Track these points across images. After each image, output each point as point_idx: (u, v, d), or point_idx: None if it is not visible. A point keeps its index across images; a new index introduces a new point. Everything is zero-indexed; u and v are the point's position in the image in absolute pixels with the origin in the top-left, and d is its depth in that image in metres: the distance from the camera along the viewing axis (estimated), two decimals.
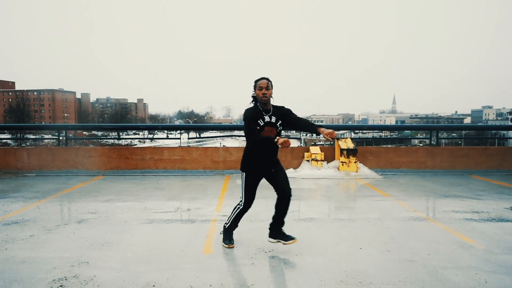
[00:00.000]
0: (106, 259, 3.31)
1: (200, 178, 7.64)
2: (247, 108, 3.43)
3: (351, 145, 7.92)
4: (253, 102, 3.42)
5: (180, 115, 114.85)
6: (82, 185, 6.81)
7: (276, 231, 3.56)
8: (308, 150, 8.22)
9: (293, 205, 5.32)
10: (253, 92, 3.39)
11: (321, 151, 8.05)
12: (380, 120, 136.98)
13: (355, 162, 7.79)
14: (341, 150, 7.85)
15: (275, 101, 3.50)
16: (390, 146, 8.72)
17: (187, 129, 16.22)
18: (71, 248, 3.57)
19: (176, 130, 16.57)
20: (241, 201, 3.60)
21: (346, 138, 8.28)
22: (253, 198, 3.61)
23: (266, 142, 3.20)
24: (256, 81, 3.37)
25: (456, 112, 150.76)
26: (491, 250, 3.53)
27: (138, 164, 8.27)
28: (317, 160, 7.90)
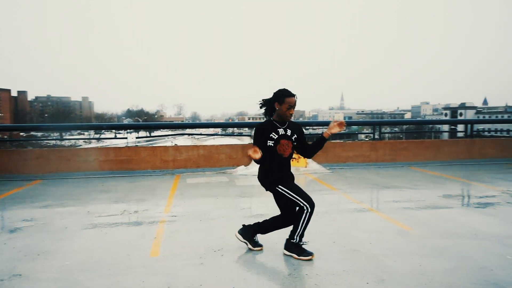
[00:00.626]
0: (42, 270, 3.09)
1: (149, 178, 7.41)
2: (261, 122, 3.31)
3: None
4: (265, 111, 3.28)
5: (129, 113, 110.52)
6: (16, 191, 6.31)
7: (253, 231, 3.51)
8: None
9: (245, 202, 5.35)
10: (274, 103, 3.18)
11: None
12: (330, 116, 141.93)
13: (304, 158, 7.98)
14: None
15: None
16: (337, 141, 9.06)
17: (143, 128, 15.64)
18: (1, 261, 3.29)
19: (130, 130, 15.92)
20: (303, 207, 3.24)
21: None
22: (309, 196, 3.31)
23: (257, 163, 3.21)
24: (283, 95, 3.14)
25: (398, 108, 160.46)
26: (426, 236, 3.80)
27: (81, 166, 7.83)
28: None
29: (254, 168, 7.86)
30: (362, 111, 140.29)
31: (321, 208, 4.98)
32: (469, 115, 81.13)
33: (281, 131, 3.21)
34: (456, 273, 2.90)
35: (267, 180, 3.34)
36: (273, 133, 3.18)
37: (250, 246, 3.50)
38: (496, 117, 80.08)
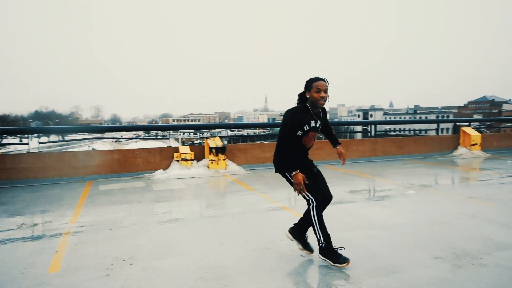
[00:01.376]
0: None
1: (55, 187, 6.80)
2: (293, 107, 3.03)
3: (219, 143, 8.15)
4: (299, 103, 3.06)
5: (38, 115, 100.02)
6: None
7: (299, 230, 3.31)
8: (177, 150, 8.13)
9: (161, 207, 5.21)
10: (305, 93, 3.02)
11: (191, 151, 8.06)
12: (254, 117, 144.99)
13: (223, 160, 8.05)
14: (210, 148, 8.01)
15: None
16: (256, 142, 9.29)
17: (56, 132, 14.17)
18: None
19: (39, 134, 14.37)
20: (309, 200, 3.06)
21: (215, 136, 8.48)
22: (319, 188, 3.12)
23: (289, 164, 2.98)
24: (311, 81, 2.99)
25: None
26: (331, 229, 4.08)
27: None
28: (186, 160, 7.89)
29: (173, 171, 7.70)
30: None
31: (238, 208, 5.07)
32: (378, 116, 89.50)
33: (313, 122, 3.04)
34: (356, 262, 3.18)
35: (282, 164, 3.15)
36: (306, 125, 2.99)
37: (299, 247, 3.31)
38: (400, 118, 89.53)
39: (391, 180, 7.04)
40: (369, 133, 11.27)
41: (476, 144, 10.45)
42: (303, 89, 3.08)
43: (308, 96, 3.03)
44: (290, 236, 3.38)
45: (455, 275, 2.89)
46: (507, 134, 11.99)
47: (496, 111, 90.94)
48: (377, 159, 9.96)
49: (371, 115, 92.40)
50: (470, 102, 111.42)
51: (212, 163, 8.01)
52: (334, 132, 3.48)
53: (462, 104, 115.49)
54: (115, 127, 19.81)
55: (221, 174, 7.84)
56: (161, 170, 7.88)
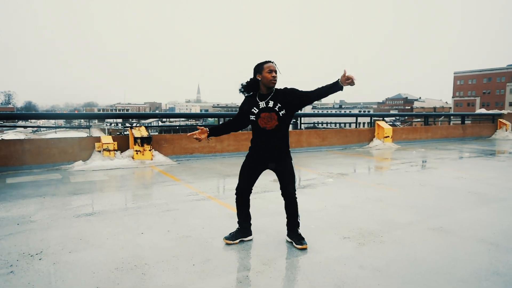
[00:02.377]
0: None
1: None
2: (245, 97, 3.28)
3: (145, 133, 7.90)
4: (244, 88, 3.23)
5: None
6: None
7: (291, 231, 3.41)
8: (99, 140, 7.71)
9: (77, 200, 4.93)
10: (256, 77, 3.16)
11: (114, 141, 7.70)
12: (186, 108, 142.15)
13: (149, 150, 7.83)
14: (135, 138, 7.74)
15: None
16: (183, 133, 9.18)
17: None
18: None
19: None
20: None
21: (140, 126, 8.20)
22: (245, 183, 3.38)
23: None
24: (262, 64, 3.14)
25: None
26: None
27: None
28: (109, 150, 7.52)
29: (94, 163, 7.30)
30: (218, 104, 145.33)
31: (162, 199, 5.01)
32: (307, 109, 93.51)
33: (262, 104, 3.15)
34: (269, 246, 3.36)
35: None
36: (254, 108, 3.17)
37: (295, 245, 3.34)
38: (327, 112, 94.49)
39: (313, 169, 7.48)
40: (298, 126, 11.77)
41: (388, 136, 11.52)
42: (253, 74, 3.20)
43: (259, 79, 3.16)
44: (289, 239, 3.44)
45: (359, 252, 3.21)
46: (414, 128, 13.40)
47: (409, 107, 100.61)
48: (302, 149, 10.47)
49: (301, 109, 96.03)
50: (387, 99, 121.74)
51: (137, 153, 7.74)
52: (324, 88, 3.15)
53: (381, 101, 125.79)
54: (54, 114, 17.81)
55: (146, 165, 7.62)
56: (80, 162, 7.41)
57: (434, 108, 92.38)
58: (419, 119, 17.18)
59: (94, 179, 6.32)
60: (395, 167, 7.77)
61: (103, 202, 4.87)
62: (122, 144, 7.98)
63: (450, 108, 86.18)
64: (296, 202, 3.36)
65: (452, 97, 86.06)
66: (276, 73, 3.15)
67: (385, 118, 13.55)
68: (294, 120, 11.57)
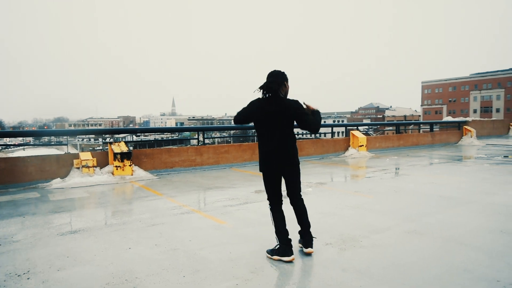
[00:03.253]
0: None
1: None
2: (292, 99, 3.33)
3: (124, 148, 7.89)
4: (262, 93, 3.27)
5: None
6: None
7: (302, 237, 3.52)
8: (77, 157, 7.62)
9: (61, 218, 4.89)
10: (285, 82, 3.30)
11: (93, 157, 7.64)
12: (161, 122, 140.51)
13: (129, 166, 7.81)
14: (115, 154, 7.70)
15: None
16: (164, 147, 9.18)
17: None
18: None
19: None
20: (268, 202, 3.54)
21: (120, 141, 8.17)
22: (275, 194, 3.42)
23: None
24: (285, 75, 3.32)
25: (226, 114, 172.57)
26: (237, 227, 4.37)
27: None
28: (88, 167, 7.45)
29: (73, 180, 7.22)
30: (193, 117, 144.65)
31: (146, 214, 5.04)
32: None
33: (268, 108, 3.28)
34: (258, 254, 3.49)
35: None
36: (259, 109, 3.26)
37: (304, 249, 3.48)
38: None
39: None
40: None
41: (362, 145, 11.94)
42: (283, 78, 3.29)
43: (287, 87, 3.34)
44: (299, 245, 3.61)
45: (341, 256, 3.39)
46: (387, 136, 13.94)
47: (381, 116, 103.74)
48: None
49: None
50: (360, 108, 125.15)
51: (117, 169, 7.70)
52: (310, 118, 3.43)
53: (354, 110, 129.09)
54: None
55: (127, 181, 7.59)
56: (58, 179, 7.30)
57: (405, 116, 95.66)
58: (391, 128, 17.82)
59: (74, 197, 6.26)
60: (371, 175, 8.09)
61: (86, 219, 4.85)
62: (101, 160, 7.92)
63: (420, 116, 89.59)
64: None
65: (421, 105, 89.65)
66: None
67: (359, 128, 14.03)
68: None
